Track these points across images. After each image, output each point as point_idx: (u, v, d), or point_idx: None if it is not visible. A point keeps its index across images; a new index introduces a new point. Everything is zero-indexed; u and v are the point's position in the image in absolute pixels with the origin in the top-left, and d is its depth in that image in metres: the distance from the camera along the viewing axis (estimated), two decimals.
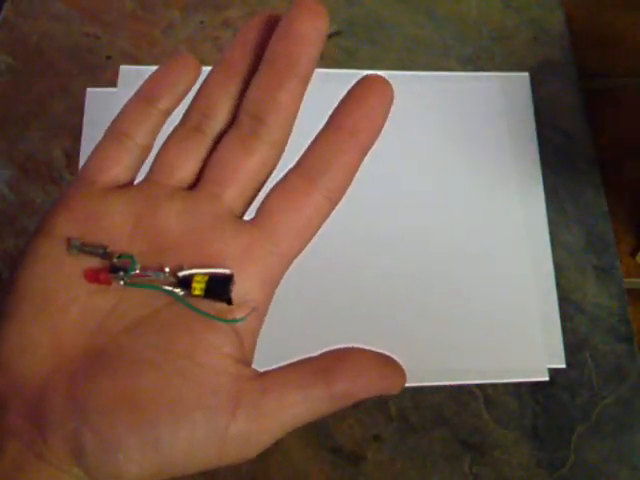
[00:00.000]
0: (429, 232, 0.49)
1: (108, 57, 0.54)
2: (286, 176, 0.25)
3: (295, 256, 0.25)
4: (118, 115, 0.27)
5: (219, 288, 0.23)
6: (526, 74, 0.56)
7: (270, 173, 0.26)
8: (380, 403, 0.44)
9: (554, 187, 0.51)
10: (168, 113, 0.27)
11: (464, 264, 0.48)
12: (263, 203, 0.25)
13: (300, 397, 0.23)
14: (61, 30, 0.56)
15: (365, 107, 0.25)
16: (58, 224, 0.25)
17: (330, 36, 0.56)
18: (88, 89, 0.53)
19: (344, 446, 0.43)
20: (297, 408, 0.23)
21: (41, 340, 0.23)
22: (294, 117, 0.26)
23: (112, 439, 0.21)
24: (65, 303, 0.23)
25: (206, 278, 0.23)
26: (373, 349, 0.25)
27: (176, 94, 0.27)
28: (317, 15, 0.25)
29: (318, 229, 0.26)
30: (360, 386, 0.24)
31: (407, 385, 0.44)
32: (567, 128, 0.54)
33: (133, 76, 0.53)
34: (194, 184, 0.26)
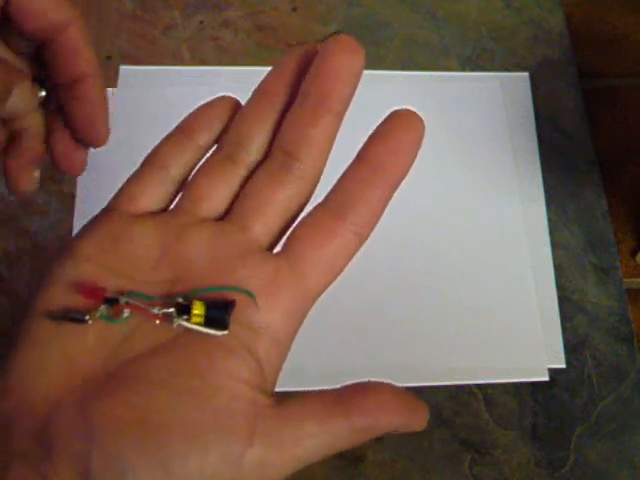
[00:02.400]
0: (429, 232, 0.49)
1: (108, 57, 0.54)
2: (314, 211, 0.25)
3: (321, 292, 0.25)
4: (156, 146, 0.27)
5: (218, 315, 0.23)
6: (526, 74, 0.56)
7: (301, 208, 0.26)
8: None
9: (554, 187, 0.51)
10: (207, 148, 0.27)
11: (464, 264, 0.48)
12: (290, 237, 0.25)
13: (319, 428, 0.23)
14: None
15: (394, 142, 0.25)
16: (83, 246, 0.25)
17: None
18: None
19: None
20: (316, 439, 0.23)
21: (54, 363, 0.23)
22: (327, 153, 0.26)
23: (120, 461, 0.21)
24: (82, 327, 0.23)
25: (204, 305, 0.23)
26: (395, 384, 0.24)
27: (215, 129, 0.27)
28: (352, 52, 0.25)
29: (346, 265, 0.25)
30: (381, 422, 0.23)
31: (407, 385, 0.44)
32: (567, 128, 0.54)
33: (133, 76, 0.53)
34: (223, 215, 0.26)
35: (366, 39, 0.56)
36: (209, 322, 0.23)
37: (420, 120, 0.25)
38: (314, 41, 0.56)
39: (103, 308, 0.23)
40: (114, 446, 0.21)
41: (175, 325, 0.23)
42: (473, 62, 0.56)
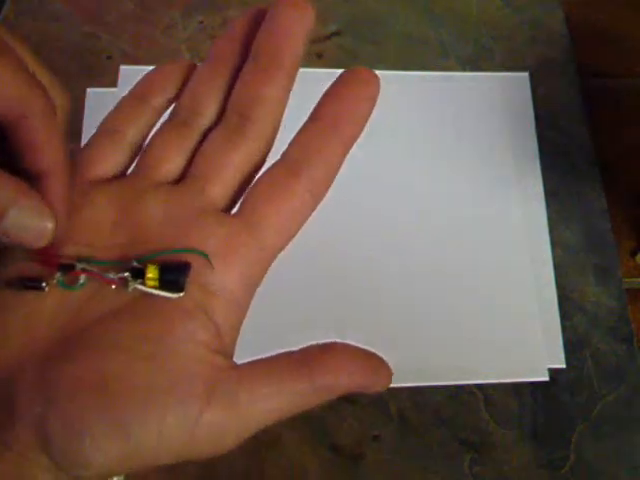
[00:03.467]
0: (429, 232, 0.49)
1: (108, 57, 0.54)
2: (269, 170, 0.25)
3: (279, 251, 0.25)
4: (111, 112, 0.27)
5: (173, 277, 0.23)
6: (526, 74, 0.56)
7: (257, 169, 0.26)
8: (380, 403, 0.44)
9: (554, 186, 0.51)
10: (161, 111, 0.27)
11: (464, 264, 0.48)
12: (246, 197, 0.25)
13: (278, 389, 0.23)
14: (61, 30, 0.56)
15: (348, 99, 0.25)
16: None
17: (330, 36, 0.56)
18: (88, 89, 0.53)
19: (343, 446, 0.43)
20: (274, 400, 0.23)
21: (13, 330, 0.23)
22: (281, 112, 0.26)
23: (78, 424, 0.21)
24: (40, 294, 0.23)
25: (157, 268, 0.23)
26: (357, 344, 0.24)
27: (169, 92, 0.27)
28: (301, 9, 0.25)
29: (302, 224, 0.25)
30: (343, 381, 0.23)
31: (407, 385, 0.44)
32: (567, 128, 0.54)
33: (133, 76, 0.52)
34: (180, 179, 0.26)
35: (366, 39, 0.56)
36: (165, 285, 0.23)
37: (375, 77, 0.25)
38: (314, 41, 0.56)
39: (59, 275, 0.23)
40: (72, 409, 0.21)
41: (131, 289, 0.23)
42: (473, 62, 0.56)
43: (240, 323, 0.25)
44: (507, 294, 0.47)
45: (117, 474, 0.21)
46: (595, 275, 0.48)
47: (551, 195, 0.51)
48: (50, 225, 0.22)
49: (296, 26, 0.25)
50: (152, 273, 0.23)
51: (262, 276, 0.25)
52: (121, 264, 0.24)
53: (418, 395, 0.44)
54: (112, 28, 0.56)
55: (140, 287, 0.23)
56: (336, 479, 0.42)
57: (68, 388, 0.21)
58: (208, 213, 0.25)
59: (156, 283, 0.23)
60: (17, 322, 0.23)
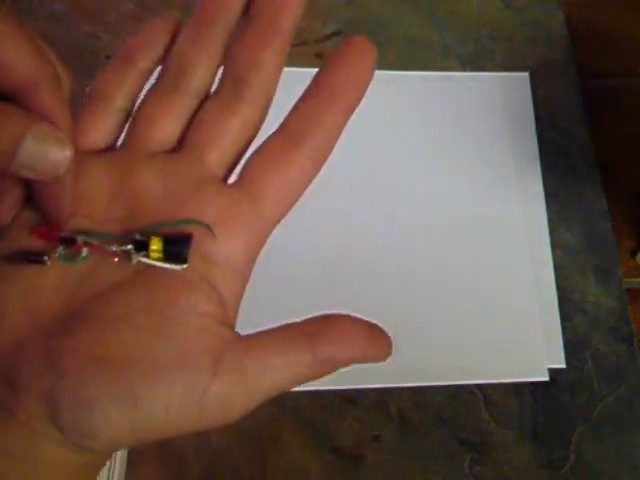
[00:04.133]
0: (429, 232, 0.49)
1: (108, 57, 0.54)
2: (269, 139, 0.25)
3: (279, 220, 0.25)
4: (97, 77, 0.26)
5: (176, 249, 0.23)
6: (526, 74, 0.56)
7: (253, 136, 0.25)
8: (380, 403, 0.44)
9: (554, 187, 0.51)
10: (148, 73, 0.26)
11: (464, 264, 0.48)
12: (245, 165, 0.25)
13: (283, 359, 0.23)
14: (61, 30, 0.56)
15: (346, 67, 0.25)
16: None
17: (330, 36, 0.56)
18: (88, 89, 0.53)
19: (344, 446, 0.43)
20: (280, 371, 0.23)
21: (16, 304, 0.22)
22: (277, 78, 0.25)
23: (86, 397, 0.21)
24: (42, 268, 0.23)
25: (161, 240, 0.23)
26: (360, 316, 0.24)
27: (154, 53, 0.26)
28: None
29: (302, 192, 0.25)
30: (345, 352, 0.23)
31: (407, 385, 0.44)
32: (567, 128, 0.54)
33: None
34: (175, 147, 0.25)
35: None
36: (168, 257, 0.23)
37: (372, 46, 0.25)
38: (314, 41, 0.56)
39: (61, 249, 0.23)
40: (80, 383, 0.21)
41: (134, 262, 0.23)
42: (473, 62, 0.56)
43: (242, 292, 0.24)
44: (507, 295, 0.47)
45: (126, 446, 0.22)
46: (595, 276, 0.48)
47: (551, 196, 0.51)
48: (68, 152, 0.22)
49: None
50: (156, 245, 0.23)
51: (262, 245, 0.25)
52: (123, 237, 0.23)
53: (418, 395, 0.44)
54: (112, 28, 0.56)
55: (144, 259, 0.23)
56: None
57: (74, 361, 0.21)
58: (207, 182, 0.24)
59: (160, 255, 0.23)
60: (19, 296, 0.23)
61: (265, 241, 0.25)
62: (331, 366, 0.23)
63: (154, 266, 0.23)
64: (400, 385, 0.44)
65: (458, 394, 0.44)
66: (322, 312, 0.24)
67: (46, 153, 0.21)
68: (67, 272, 0.23)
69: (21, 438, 0.21)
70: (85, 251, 0.23)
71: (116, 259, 0.23)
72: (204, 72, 0.26)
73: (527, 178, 0.51)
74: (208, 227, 0.23)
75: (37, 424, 0.21)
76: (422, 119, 0.53)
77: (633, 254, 0.50)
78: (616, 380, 0.45)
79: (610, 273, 0.49)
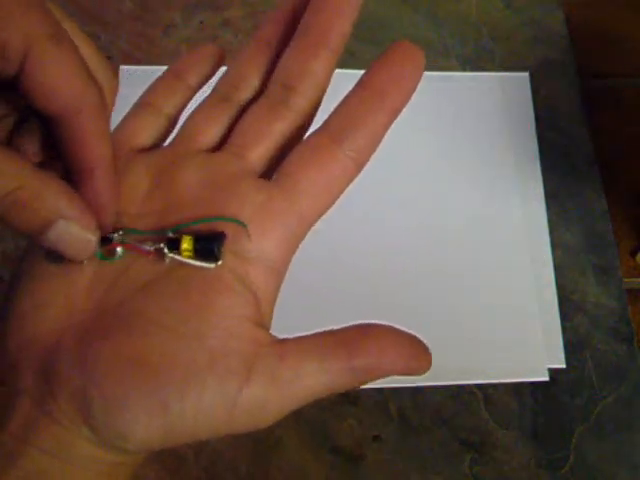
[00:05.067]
0: (429, 232, 0.49)
1: (108, 57, 0.54)
2: (310, 136, 0.25)
3: (316, 218, 0.25)
4: (148, 88, 0.27)
5: (208, 247, 0.23)
6: (526, 74, 0.56)
7: (297, 140, 0.26)
8: (380, 403, 0.44)
9: (554, 187, 0.51)
10: (195, 89, 0.28)
11: (464, 264, 0.48)
12: (285, 163, 0.25)
13: (319, 367, 0.22)
14: None
15: (395, 70, 0.25)
16: None
17: None
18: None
19: (344, 446, 0.43)
20: (315, 378, 0.22)
21: (54, 300, 0.23)
22: (324, 89, 0.26)
23: (119, 399, 0.21)
24: (78, 267, 0.23)
25: (192, 239, 0.23)
26: (399, 327, 0.24)
27: (203, 72, 0.28)
28: None
29: (341, 192, 0.25)
30: (383, 363, 0.23)
31: (407, 385, 0.44)
32: (567, 128, 0.54)
33: (133, 76, 0.53)
34: (218, 148, 0.26)
35: (366, 39, 0.56)
36: (201, 255, 0.23)
37: (420, 50, 0.25)
38: None
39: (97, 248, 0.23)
40: (112, 385, 0.21)
41: (167, 261, 0.23)
42: (473, 62, 0.56)
43: (277, 290, 0.24)
44: (507, 295, 0.47)
45: (157, 448, 0.22)
46: (595, 275, 0.48)
47: (551, 196, 0.51)
48: (94, 239, 0.22)
49: (345, 4, 0.26)
50: (187, 244, 0.23)
51: (298, 243, 0.25)
52: (158, 233, 0.23)
53: (418, 395, 0.44)
54: (112, 28, 0.56)
55: (177, 257, 0.23)
56: None
57: (108, 362, 0.21)
58: (245, 178, 0.24)
59: (191, 254, 0.23)
60: (56, 294, 0.23)
61: (301, 239, 0.25)
62: (367, 376, 0.23)
63: (188, 265, 0.23)
64: (400, 385, 0.44)
65: (458, 394, 0.44)
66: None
67: (73, 238, 0.22)
68: (101, 271, 0.23)
69: (58, 435, 0.21)
70: (120, 250, 0.23)
71: (150, 257, 0.23)
72: (255, 85, 0.27)
73: (527, 178, 0.51)
74: (243, 225, 0.23)
75: (70, 422, 0.21)
76: (422, 119, 0.53)
77: (633, 254, 0.50)
78: (616, 380, 0.45)
79: (610, 273, 0.49)
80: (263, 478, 0.42)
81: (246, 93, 0.26)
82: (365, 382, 0.23)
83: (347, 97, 0.25)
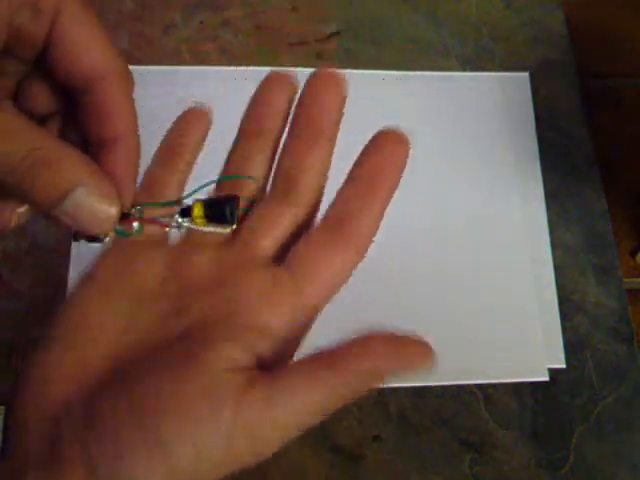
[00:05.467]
0: (429, 232, 0.49)
1: None
2: (314, 230, 0.26)
3: (323, 305, 0.26)
4: (148, 167, 0.28)
5: (219, 211, 0.24)
6: (526, 74, 0.56)
7: (305, 229, 0.27)
8: (380, 403, 0.44)
9: (554, 187, 0.51)
10: (192, 164, 0.29)
11: (464, 264, 0.48)
12: (292, 255, 0.26)
13: (311, 385, 0.22)
14: None
15: (382, 159, 0.26)
16: (99, 267, 0.26)
17: (330, 36, 0.56)
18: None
19: (344, 446, 0.43)
20: (310, 396, 0.22)
21: (68, 369, 0.23)
22: (325, 174, 0.27)
23: (117, 452, 0.21)
24: (95, 337, 0.24)
25: (202, 204, 0.24)
26: (391, 331, 0.24)
27: (196, 147, 0.29)
28: (337, 83, 0.27)
29: (347, 280, 0.26)
30: (363, 364, 0.23)
31: (407, 385, 0.44)
32: (567, 128, 0.54)
33: (133, 76, 0.53)
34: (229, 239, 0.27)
35: (366, 39, 0.56)
36: (214, 220, 0.24)
37: (405, 136, 0.27)
38: (314, 41, 0.56)
39: (117, 225, 0.23)
40: (110, 439, 0.21)
41: (182, 229, 0.25)
42: (473, 62, 0.56)
43: (288, 356, 0.25)
44: (507, 294, 0.47)
45: None
46: (595, 275, 0.48)
47: (551, 196, 0.51)
48: (114, 210, 0.22)
49: (334, 98, 0.27)
50: (197, 209, 0.24)
51: (308, 326, 0.25)
52: (172, 204, 0.25)
53: (418, 395, 0.44)
54: (112, 28, 0.56)
55: (191, 226, 0.24)
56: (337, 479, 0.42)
57: (107, 422, 0.22)
58: (256, 261, 0.26)
59: (203, 220, 0.24)
60: (71, 364, 0.24)
61: (310, 324, 0.25)
62: (364, 385, 0.23)
63: (201, 231, 0.24)
64: (400, 385, 0.44)
65: (458, 394, 0.44)
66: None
67: (92, 208, 0.21)
68: (117, 345, 0.24)
69: None
70: (137, 224, 0.24)
71: (167, 229, 0.25)
72: (258, 177, 0.28)
73: (527, 178, 0.51)
74: (252, 178, 0.26)
75: (75, 476, 0.21)
76: (422, 119, 0.53)
77: (633, 254, 0.50)
78: (616, 380, 0.45)
79: (610, 273, 0.49)
80: (262, 476, 0.42)
81: (251, 185, 0.27)
82: (358, 389, 0.23)
83: (341, 190, 0.26)
